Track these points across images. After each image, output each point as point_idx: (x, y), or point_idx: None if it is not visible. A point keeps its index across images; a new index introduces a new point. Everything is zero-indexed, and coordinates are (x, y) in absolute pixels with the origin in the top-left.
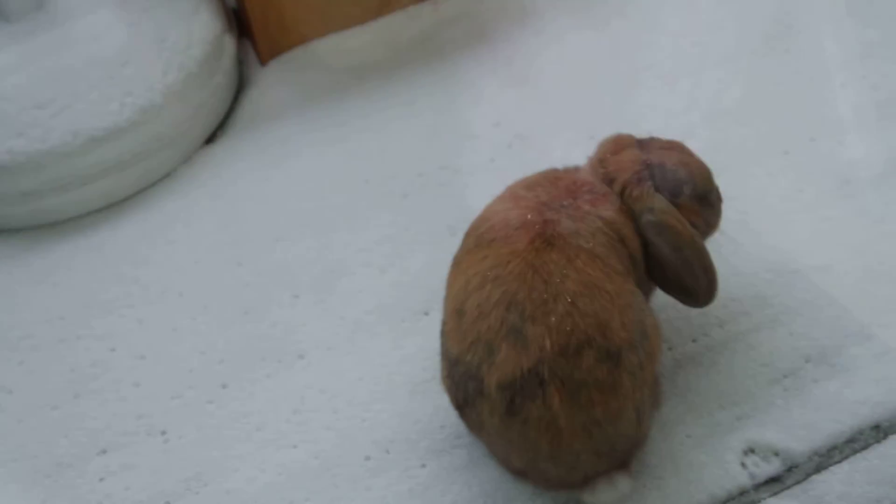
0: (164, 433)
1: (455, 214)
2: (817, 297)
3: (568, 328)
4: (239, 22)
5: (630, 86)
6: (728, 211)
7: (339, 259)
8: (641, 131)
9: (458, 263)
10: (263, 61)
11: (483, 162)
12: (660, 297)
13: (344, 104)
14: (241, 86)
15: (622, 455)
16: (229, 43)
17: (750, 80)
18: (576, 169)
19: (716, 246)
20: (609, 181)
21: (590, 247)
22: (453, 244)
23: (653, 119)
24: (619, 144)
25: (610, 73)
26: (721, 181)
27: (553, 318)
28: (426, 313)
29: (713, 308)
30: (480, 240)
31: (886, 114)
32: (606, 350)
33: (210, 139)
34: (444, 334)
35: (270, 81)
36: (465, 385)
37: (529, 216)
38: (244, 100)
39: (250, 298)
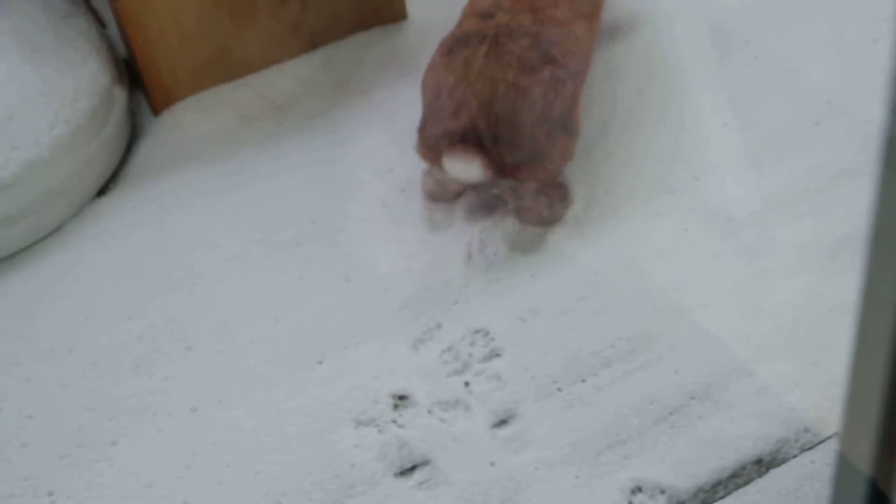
0: (51, 494)
1: (349, 261)
2: (701, 335)
3: (524, 24)
4: (130, 72)
5: None
6: (616, 252)
7: (232, 309)
8: None
9: None
10: (156, 111)
11: (376, 208)
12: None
13: (237, 153)
14: (133, 136)
15: (508, 139)
16: (120, 94)
17: (633, 119)
18: None
19: (605, 285)
20: None
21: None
22: (348, 292)
23: None
24: None
25: None
26: (609, 222)
27: (518, 17)
28: (320, 362)
29: (601, 348)
30: None
31: (766, 153)
32: (543, 50)
33: (101, 191)
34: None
35: (163, 132)
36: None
37: None
38: (137, 151)
39: (142, 352)
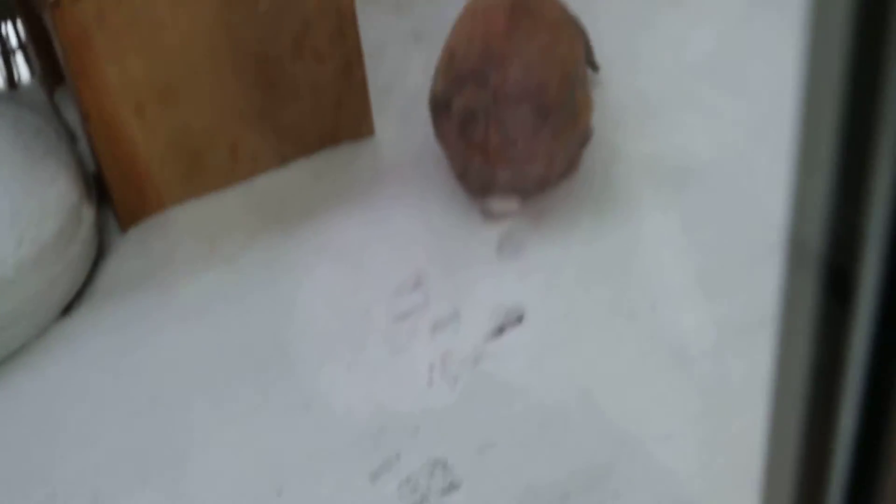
0: None
1: (310, 388)
2: (658, 468)
3: (516, 81)
4: (99, 188)
5: (467, 262)
6: (574, 380)
7: (192, 438)
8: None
9: (466, 13)
10: (123, 228)
11: (337, 332)
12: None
13: (202, 274)
14: (100, 253)
15: (532, 188)
16: (87, 212)
17: (592, 244)
18: None
19: (563, 415)
20: None
21: (553, 17)
22: (307, 420)
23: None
24: None
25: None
26: (567, 348)
27: (510, 70)
28: (279, 494)
29: (558, 482)
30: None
31: (723, 281)
32: (540, 106)
33: (66, 310)
34: (436, 70)
35: (130, 249)
36: (439, 109)
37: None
38: (103, 268)
39: (100, 483)
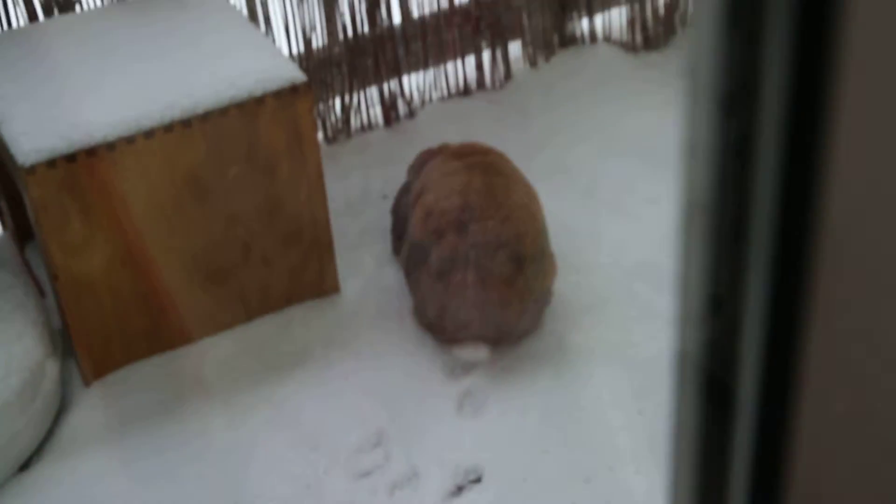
0: None
1: None
2: None
3: (495, 232)
4: (64, 341)
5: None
6: None
7: None
8: None
9: (437, 174)
10: (87, 382)
11: (299, 489)
12: None
13: (163, 429)
14: (62, 407)
15: (500, 333)
16: (52, 366)
17: (548, 408)
18: None
19: None
20: None
21: (517, 180)
22: None
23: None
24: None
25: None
26: None
27: (489, 222)
28: None
29: None
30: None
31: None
32: (516, 254)
33: (24, 466)
34: (412, 226)
35: (93, 404)
36: (416, 257)
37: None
38: (64, 423)
39: None
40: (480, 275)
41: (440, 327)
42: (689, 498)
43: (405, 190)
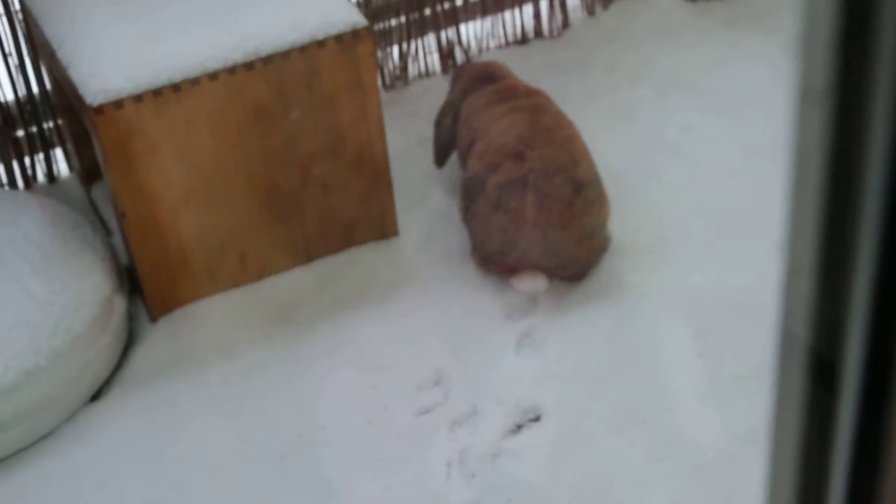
0: None
1: (331, 478)
2: None
3: (552, 157)
4: (131, 280)
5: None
6: (590, 480)
7: None
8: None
9: (486, 121)
10: (153, 318)
11: (360, 424)
12: None
13: (229, 363)
14: (129, 342)
15: (561, 264)
16: (119, 302)
17: (609, 347)
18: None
19: None
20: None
21: (564, 118)
22: None
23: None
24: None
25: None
26: (583, 449)
27: (545, 150)
28: None
29: None
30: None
31: (739, 388)
32: (573, 178)
33: (95, 396)
34: (468, 167)
35: (159, 339)
36: (472, 190)
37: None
38: (132, 357)
39: None
40: (539, 197)
41: (499, 258)
42: (790, 473)
43: (449, 104)
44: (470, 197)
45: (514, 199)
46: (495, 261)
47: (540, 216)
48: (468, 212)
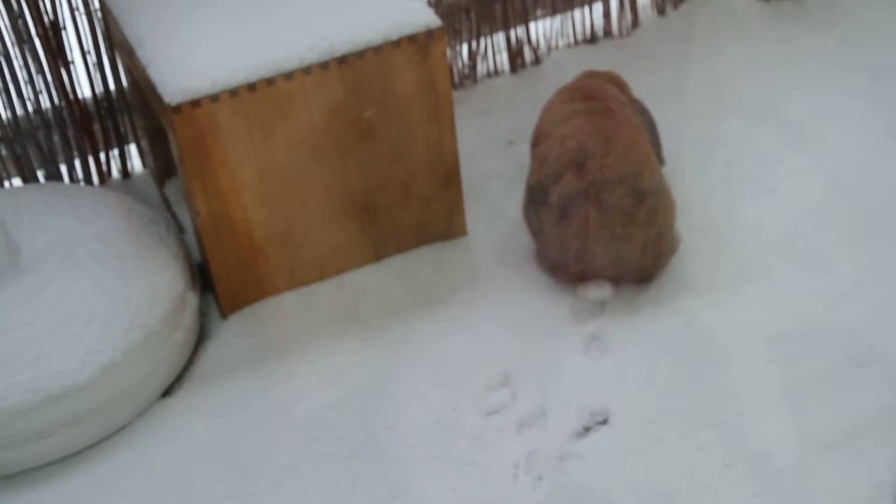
0: None
1: (397, 478)
2: None
3: (614, 167)
4: (202, 275)
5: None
6: (658, 486)
7: None
8: None
9: (549, 124)
10: (224, 315)
11: (427, 424)
12: None
13: (299, 361)
14: (201, 338)
15: (626, 272)
16: (192, 299)
17: (678, 351)
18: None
19: None
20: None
21: (635, 121)
22: None
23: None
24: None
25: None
26: (651, 454)
27: (606, 160)
28: None
29: None
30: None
31: (808, 393)
32: (635, 188)
33: (167, 392)
34: (530, 173)
35: (230, 335)
36: (535, 200)
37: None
38: (203, 353)
39: None
40: (602, 209)
41: (564, 267)
42: None
43: None
44: (533, 205)
45: (576, 212)
46: (561, 269)
47: (602, 229)
48: (531, 220)
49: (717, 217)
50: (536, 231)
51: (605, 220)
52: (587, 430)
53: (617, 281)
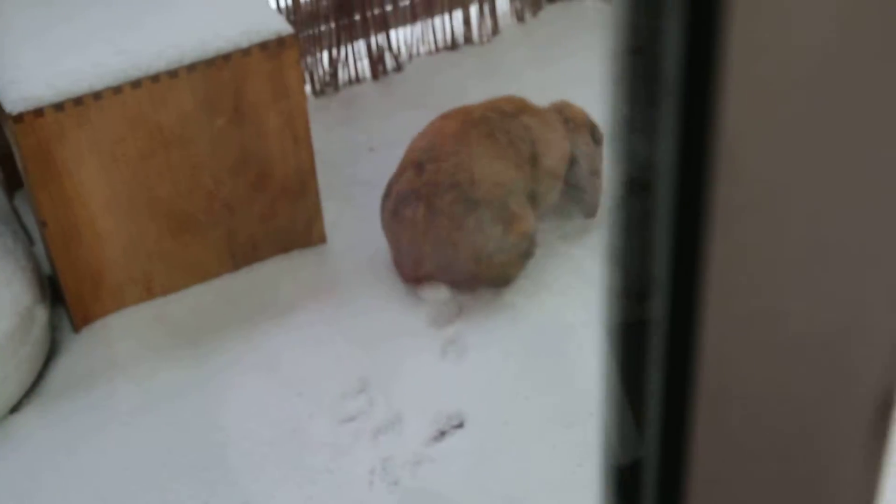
0: None
1: (254, 486)
2: None
3: (450, 172)
4: (54, 287)
5: None
6: (508, 485)
7: None
8: None
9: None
10: (76, 328)
11: (285, 432)
12: None
13: (152, 374)
14: (52, 351)
15: (461, 277)
16: (41, 312)
17: (534, 357)
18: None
19: None
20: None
21: (500, 139)
22: None
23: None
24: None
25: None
26: (506, 456)
27: (444, 164)
28: None
29: None
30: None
31: None
32: (466, 197)
33: (15, 408)
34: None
35: (82, 349)
36: (386, 193)
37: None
38: (54, 367)
39: None
40: (429, 213)
41: (399, 265)
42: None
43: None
44: (382, 203)
45: (407, 211)
46: (399, 268)
47: (429, 230)
48: (381, 218)
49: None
50: (383, 227)
51: (432, 220)
52: (443, 434)
53: (455, 285)
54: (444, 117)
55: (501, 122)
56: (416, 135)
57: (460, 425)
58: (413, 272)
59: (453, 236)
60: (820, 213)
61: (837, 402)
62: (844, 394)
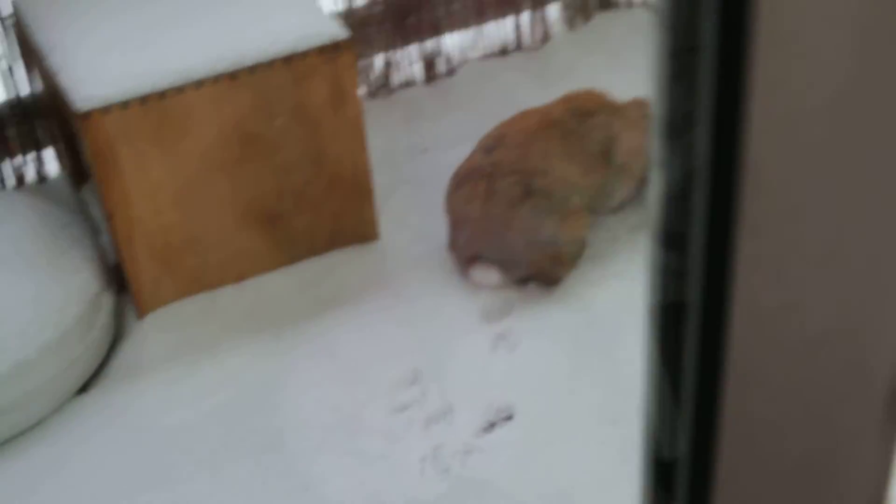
0: None
1: (307, 473)
2: None
3: (516, 159)
4: (119, 276)
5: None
6: (556, 480)
7: None
8: None
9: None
10: (140, 315)
11: (338, 418)
12: None
13: (212, 360)
14: (117, 337)
15: (511, 259)
16: (107, 300)
17: (584, 353)
18: None
19: None
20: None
21: (574, 143)
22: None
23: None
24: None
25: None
26: (554, 449)
27: (512, 152)
28: None
29: None
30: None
31: None
32: (527, 183)
33: (83, 389)
34: None
35: (145, 335)
36: (454, 174)
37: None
38: (120, 351)
39: None
40: (489, 189)
41: (454, 246)
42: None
43: None
44: (450, 182)
45: (468, 186)
46: (452, 243)
47: (486, 209)
48: (446, 197)
49: None
50: (447, 205)
51: (490, 200)
52: (492, 425)
53: (506, 269)
54: (523, 114)
55: (578, 126)
56: (481, 133)
57: (510, 417)
58: (466, 251)
59: (507, 215)
60: (836, 220)
61: (853, 389)
62: (859, 382)
